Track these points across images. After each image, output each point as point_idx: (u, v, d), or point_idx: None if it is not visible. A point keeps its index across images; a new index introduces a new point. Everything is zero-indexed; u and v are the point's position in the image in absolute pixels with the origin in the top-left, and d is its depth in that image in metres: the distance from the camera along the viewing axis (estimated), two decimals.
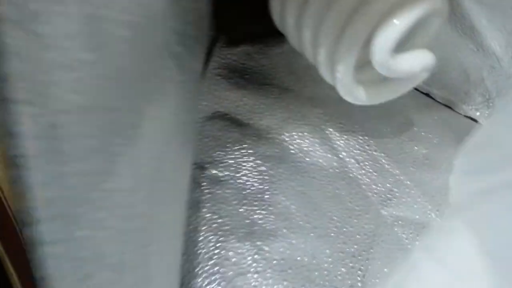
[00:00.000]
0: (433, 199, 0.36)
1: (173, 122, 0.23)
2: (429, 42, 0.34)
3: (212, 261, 0.29)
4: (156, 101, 0.20)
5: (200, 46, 0.31)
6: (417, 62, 0.31)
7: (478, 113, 0.47)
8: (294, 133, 0.37)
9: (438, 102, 0.48)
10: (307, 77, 0.41)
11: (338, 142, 0.38)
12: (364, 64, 0.34)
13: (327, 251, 0.31)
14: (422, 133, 0.43)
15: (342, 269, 0.31)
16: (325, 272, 0.30)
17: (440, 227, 0.30)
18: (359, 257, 0.32)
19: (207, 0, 0.33)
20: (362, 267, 0.31)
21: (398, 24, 0.30)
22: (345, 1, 0.31)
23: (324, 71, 0.33)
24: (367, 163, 0.38)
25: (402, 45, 0.34)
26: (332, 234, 0.31)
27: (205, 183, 0.31)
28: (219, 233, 0.30)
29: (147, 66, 0.20)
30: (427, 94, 0.48)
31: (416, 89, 0.48)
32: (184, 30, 0.25)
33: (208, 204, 0.30)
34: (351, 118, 0.40)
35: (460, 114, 0.48)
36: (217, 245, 0.29)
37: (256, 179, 0.33)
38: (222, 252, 0.29)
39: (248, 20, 0.38)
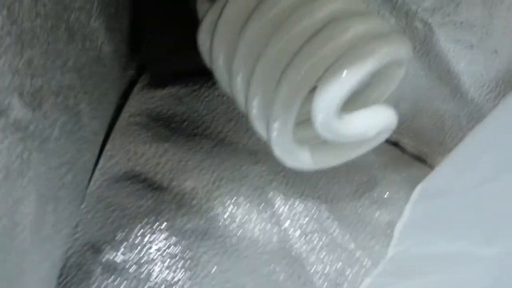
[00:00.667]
0: None
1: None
2: (389, 94, 0.27)
3: None
4: None
5: (97, 93, 0.24)
6: (372, 123, 0.25)
7: None
8: (227, 198, 0.30)
9: (408, 154, 0.42)
10: (250, 126, 0.34)
11: (282, 208, 0.31)
12: (308, 118, 0.27)
13: None
14: (386, 195, 0.36)
15: None
16: None
17: None
18: None
19: (111, 35, 0.26)
20: None
21: (348, 77, 0.23)
22: (284, 42, 0.25)
23: (258, 127, 0.27)
24: (316, 235, 0.31)
25: (354, 99, 0.27)
26: None
27: (96, 273, 0.24)
28: None
29: None
30: (395, 144, 0.42)
31: None
32: (47, 84, 0.18)
33: None
34: (301, 177, 0.33)
35: (434, 168, 0.42)
36: None
37: (166, 265, 0.26)
38: None
39: (178, 56, 0.31)
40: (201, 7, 0.30)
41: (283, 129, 0.25)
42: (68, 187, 0.21)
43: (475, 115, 0.39)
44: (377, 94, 0.27)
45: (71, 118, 0.21)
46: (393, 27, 0.34)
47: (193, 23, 0.30)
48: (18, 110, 0.16)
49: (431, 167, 0.42)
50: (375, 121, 0.25)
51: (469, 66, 0.37)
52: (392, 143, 0.42)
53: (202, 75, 0.33)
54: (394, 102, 0.41)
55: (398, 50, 0.24)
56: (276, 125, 0.25)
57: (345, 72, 0.23)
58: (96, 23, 0.23)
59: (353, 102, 0.27)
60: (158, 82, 0.32)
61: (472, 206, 0.31)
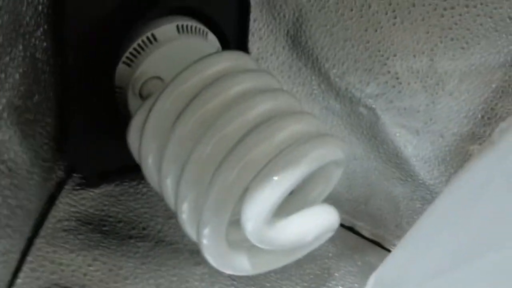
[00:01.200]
0: None
1: None
2: (327, 194, 0.26)
3: None
4: None
5: (9, 208, 0.22)
6: (308, 228, 0.23)
7: None
8: None
9: (364, 238, 0.40)
10: None
11: None
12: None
13: None
14: None
15: None
16: None
17: None
18: None
19: (27, 143, 0.24)
20: None
21: (279, 182, 0.22)
22: (214, 143, 0.24)
23: (189, 232, 0.25)
24: None
25: (290, 201, 0.26)
26: None
27: None
28: None
29: None
30: (350, 228, 0.41)
31: None
32: None
33: None
34: (247, 275, 0.31)
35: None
36: None
37: None
38: None
39: (108, 153, 0.30)
40: (132, 104, 0.29)
41: (214, 236, 0.23)
42: None
43: (428, 198, 0.39)
44: (315, 194, 0.26)
45: None
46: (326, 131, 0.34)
47: (122, 120, 0.29)
48: None
49: (389, 251, 0.41)
50: (312, 225, 0.23)
51: (416, 150, 0.36)
52: (347, 227, 0.41)
53: (136, 171, 0.32)
54: (346, 186, 0.40)
55: (333, 151, 0.23)
56: (206, 231, 0.23)
57: (276, 176, 0.22)
58: (6, 135, 0.22)
59: (289, 203, 0.25)
60: (90, 182, 0.30)
61: None
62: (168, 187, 0.25)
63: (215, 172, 0.23)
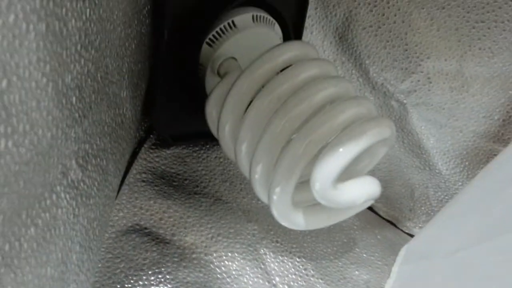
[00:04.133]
0: None
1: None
2: (372, 167, 0.31)
3: None
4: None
5: (119, 154, 0.27)
6: (361, 193, 0.28)
7: None
8: (223, 253, 0.33)
9: (381, 217, 0.46)
10: (244, 187, 0.37)
11: (272, 265, 0.34)
12: (304, 181, 0.30)
13: None
14: (364, 255, 0.39)
15: None
16: None
17: None
18: None
19: (132, 102, 0.29)
20: None
21: (343, 154, 0.27)
22: (286, 120, 0.29)
23: (259, 191, 0.30)
24: None
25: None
26: None
27: None
28: None
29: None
30: (370, 208, 0.46)
31: None
32: (91, 148, 0.21)
33: None
34: (289, 236, 0.36)
35: (404, 231, 0.45)
36: None
37: None
38: None
39: (183, 120, 0.35)
40: (209, 81, 0.33)
41: (283, 194, 0.28)
42: (96, 239, 0.23)
43: (442, 186, 0.44)
44: (362, 166, 0.31)
45: (103, 177, 0.23)
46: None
47: (198, 93, 0.34)
48: (73, 171, 0.19)
49: (402, 230, 0.46)
50: (364, 191, 0.28)
51: (438, 142, 0.42)
52: (367, 208, 0.46)
53: (202, 138, 0.37)
54: (370, 170, 0.46)
55: (385, 131, 0.28)
56: (277, 189, 0.28)
57: (341, 148, 0.27)
58: (125, 93, 0.27)
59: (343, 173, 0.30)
60: (163, 144, 0.35)
61: (454, 270, 0.34)
62: (242, 152, 0.30)
63: (288, 144, 0.28)
